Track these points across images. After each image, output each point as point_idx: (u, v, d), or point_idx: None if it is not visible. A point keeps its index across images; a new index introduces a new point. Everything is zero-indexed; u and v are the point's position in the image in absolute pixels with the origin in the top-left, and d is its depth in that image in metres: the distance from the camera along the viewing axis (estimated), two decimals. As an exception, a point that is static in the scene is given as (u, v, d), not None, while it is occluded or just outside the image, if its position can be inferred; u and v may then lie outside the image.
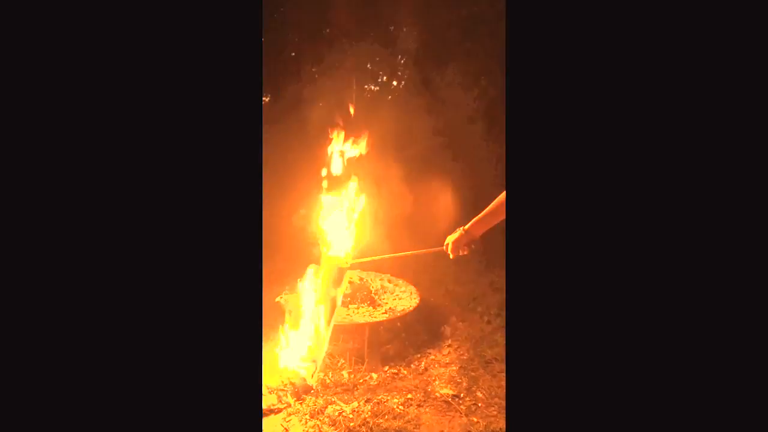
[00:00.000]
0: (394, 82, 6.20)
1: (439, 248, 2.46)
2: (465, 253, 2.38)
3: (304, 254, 3.30)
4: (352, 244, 2.82)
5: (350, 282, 3.08)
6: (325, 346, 2.73)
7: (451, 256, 2.41)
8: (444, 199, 3.96)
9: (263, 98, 5.54)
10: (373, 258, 2.80)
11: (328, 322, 2.69)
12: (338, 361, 2.93)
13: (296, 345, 2.74)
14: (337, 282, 2.70)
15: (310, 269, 2.91)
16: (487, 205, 2.32)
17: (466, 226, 2.35)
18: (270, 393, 2.60)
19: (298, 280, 2.94)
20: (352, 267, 2.90)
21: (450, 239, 2.39)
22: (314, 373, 2.69)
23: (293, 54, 5.81)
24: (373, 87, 6.24)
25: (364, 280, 3.28)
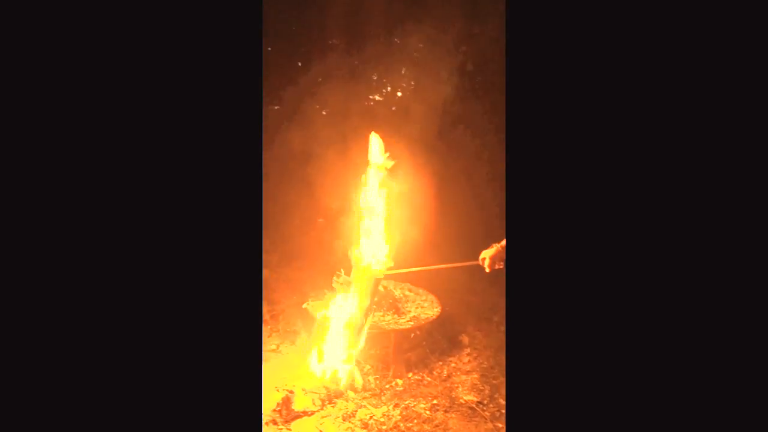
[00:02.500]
0: (399, 93, 6.29)
1: (475, 262, 2.59)
2: (500, 266, 2.51)
3: (326, 262, 3.39)
4: (386, 255, 2.92)
5: (375, 290, 3.17)
6: (357, 352, 2.84)
7: (487, 270, 2.53)
8: (463, 212, 4.07)
9: (273, 106, 5.61)
10: (410, 269, 2.89)
11: (362, 329, 2.80)
12: (364, 367, 3.03)
13: (332, 350, 2.84)
14: (372, 291, 2.80)
15: (340, 278, 3.00)
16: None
17: (503, 242, 2.48)
18: (305, 395, 2.69)
19: (327, 291, 3.04)
20: (386, 277, 3.01)
21: (486, 254, 2.52)
22: (354, 376, 2.80)
23: (300, 64, 5.89)
24: (377, 97, 6.33)
25: (388, 289, 3.38)
